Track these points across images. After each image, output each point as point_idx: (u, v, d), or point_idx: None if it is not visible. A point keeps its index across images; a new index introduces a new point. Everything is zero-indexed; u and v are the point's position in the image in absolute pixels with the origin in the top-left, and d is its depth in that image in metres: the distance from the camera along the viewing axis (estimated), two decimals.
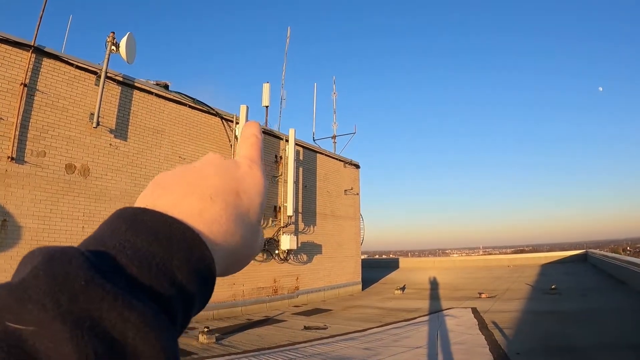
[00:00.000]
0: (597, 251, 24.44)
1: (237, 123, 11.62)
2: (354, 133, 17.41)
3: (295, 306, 13.17)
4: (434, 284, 18.39)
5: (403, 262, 28.50)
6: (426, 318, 10.43)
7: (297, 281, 13.68)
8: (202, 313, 8.94)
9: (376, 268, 26.63)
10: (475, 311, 10.92)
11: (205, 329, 8.28)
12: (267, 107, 13.99)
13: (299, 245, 13.84)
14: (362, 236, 18.05)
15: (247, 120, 11.73)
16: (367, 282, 19.52)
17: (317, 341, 8.29)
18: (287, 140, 13.24)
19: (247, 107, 11.68)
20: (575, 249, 28.75)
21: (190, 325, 10.21)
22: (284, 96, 18.80)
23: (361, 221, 18.08)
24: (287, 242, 12.28)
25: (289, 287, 13.35)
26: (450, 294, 15.39)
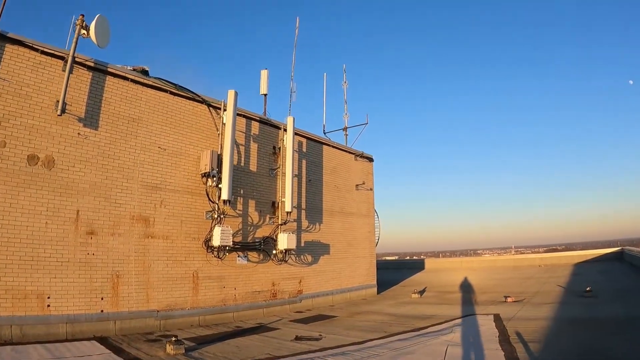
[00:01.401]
0: (634, 249, 21.75)
1: (224, 110, 10.54)
2: (366, 124, 16.05)
3: (297, 312, 11.92)
4: (457, 286, 16.84)
5: (429, 263, 26.90)
6: (439, 328, 8.89)
7: (300, 284, 12.43)
8: (186, 319, 7.74)
9: (400, 270, 25.37)
10: (497, 319, 9.29)
11: (174, 338, 7.18)
12: (265, 95, 12.87)
13: (302, 244, 12.61)
14: (377, 235, 16.58)
15: (235, 106, 10.66)
16: (385, 284, 18.48)
17: (302, 355, 7.00)
18: (285, 130, 12.04)
19: (236, 93, 10.59)
20: (609, 246, 26.64)
21: (164, 333, 9.24)
22: (294, 88, 17.72)
23: (376, 219, 16.63)
24: (284, 241, 11.07)
25: (291, 291, 12.11)
26: (473, 298, 13.74)
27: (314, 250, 13.07)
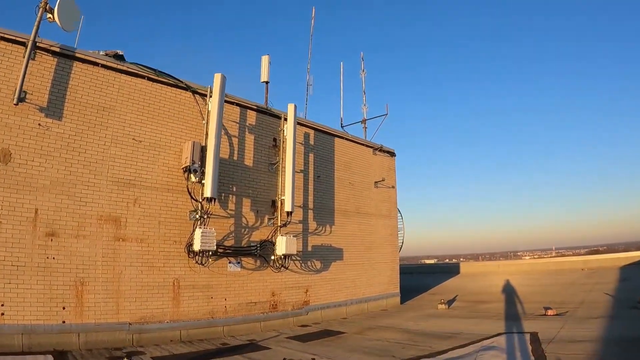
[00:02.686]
0: None
1: (210, 96, 9.32)
2: (386, 114, 14.31)
3: (301, 326, 10.41)
4: (491, 294, 14.92)
5: (465, 267, 25.30)
6: (460, 353, 7.02)
7: (306, 294, 10.91)
8: (165, 333, 6.12)
9: (434, 274, 23.93)
10: (534, 339, 7.33)
11: (125, 356, 5.95)
12: (266, 82, 11.55)
13: (309, 249, 11.12)
14: (401, 238, 14.71)
15: (222, 92, 9.40)
16: (413, 292, 16.95)
17: None
18: (286, 119, 10.64)
19: (223, 77, 9.34)
20: None
21: (136, 348, 8.06)
22: (311, 81, 16.51)
23: (399, 219, 14.77)
24: (283, 245, 9.64)
25: (295, 302, 10.63)
26: (508, 309, 11.62)
27: (323, 256, 11.52)
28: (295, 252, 9.78)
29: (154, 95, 9.05)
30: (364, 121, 15.02)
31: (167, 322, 8.44)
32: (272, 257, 9.89)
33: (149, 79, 9.01)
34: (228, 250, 9.41)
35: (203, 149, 8.96)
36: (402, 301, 14.50)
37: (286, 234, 10.37)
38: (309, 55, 17.53)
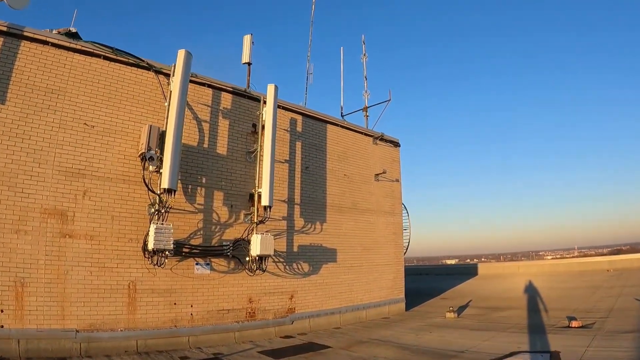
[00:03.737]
0: None
1: (172, 75, 8.47)
2: (389, 100, 13.12)
3: (285, 337, 9.41)
4: (508, 300, 13.77)
5: (483, 268, 24.52)
6: None
7: (291, 301, 9.89)
8: (119, 342, 4.87)
9: (451, 276, 23.29)
10: None
11: None
12: (249, 64, 10.65)
13: (295, 249, 10.12)
14: (406, 238, 13.43)
15: (186, 69, 8.52)
16: (423, 296, 16.03)
17: None
18: (265, 102, 9.67)
19: (188, 53, 8.48)
20: None
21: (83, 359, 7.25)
22: (311, 70, 15.65)
23: (405, 217, 13.51)
24: (257, 244, 8.69)
25: (277, 310, 9.63)
26: (526, 319, 10.24)
27: (312, 257, 10.47)
28: (272, 253, 8.79)
29: (111, 76, 8.31)
30: (365, 109, 13.89)
31: (121, 330, 7.65)
32: (248, 258, 8.90)
33: (106, 58, 8.29)
34: (195, 250, 8.54)
35: (163, 134, 8.10)
36: (409, 307, 13.37)
37: (266, 231, 9.40)
38: (309, 42, 16.63)
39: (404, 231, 13.40)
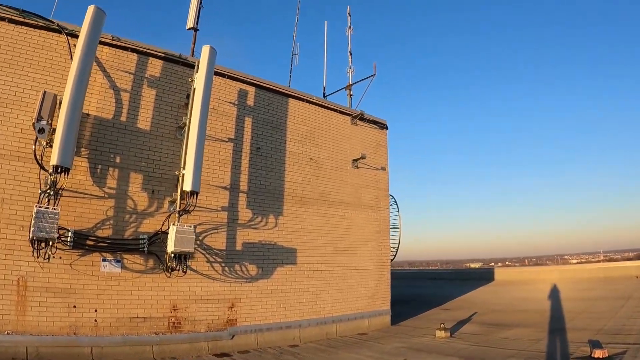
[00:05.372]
0: None
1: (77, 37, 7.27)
2: (373, 75, 11.49)
3: (219, 354, 7.96)
4: (520, 313, 12.18)
5: (500, 273, 23.57)
6: None
7: (231, 310, 8.39)
8: (7, 348, 3.72)
9: (465, 281, 22.43)
10: None
11: None
12: (194, 30, 9.35)
13: (239, 247, 8.71)
14: (396, 237, 11.60)
15: (93, 25, 7.30)
16: (422, 305, 14.92)
17: None
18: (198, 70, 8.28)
19: (97, 9, 7.25)
20: None
21: None
22: (297, 50, 14.37)
23: (394, 212, 11.69)
24: (171, 238, 7.25)
25: (212, 321, 8.17)
26: (536, 342, 8.31)
27: (262, 258, 8.95)
28: (191, 249, 7.35)
29: (15, 41, 7.35)
30: (348, 87, 12.27)
31: (8, 333, 6.49)
32: (166, 256, 7.48)
33: (12, 21, 7.24)
34: (102, 243, 7.27)
35: (57, 101, 6.88)
36: (398, 320, 11.77)
37: (198, 224, 7.99)
38: (295, 20, 15.29)
39: (391, 229, 11.57)
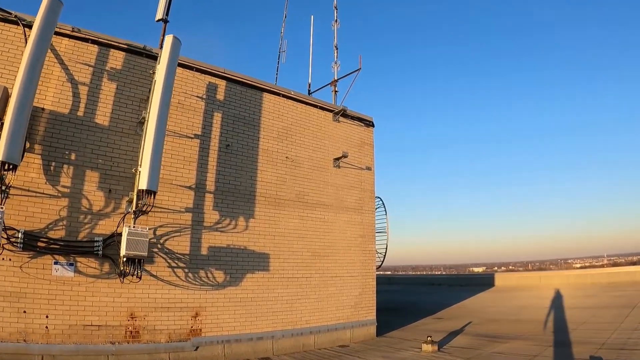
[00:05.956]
0: None
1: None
2: (359, 69, 11.46)
3: None
4: (517, 323, 12.15)
5: (500, 279, 24.34)
6: None
7: (195, 320, 8.37)
8: None
9: (465, 287, 23.11)
10: None
11: None
12: (164, 21, 9.44)
13: (204, 251, 8.73)
14: (383, 243, 11.49)
15: (48, 14, 7.41)
16: (414, 314, 15.07)
17: None
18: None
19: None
20: None
21: None
22: (284, 47, 14.59)
23: (381, 215, 11.61)
24: (123, 241, 7.24)
25: (174, 330, 8.16)
26: (533, 358, 8.01)
27: (231, 263, 8.94)
28: (144, 253, 7.37)
29: None
30: (333, 82, 12.27)
31: None
32: (119, 260, 7.49)
33: None
34: (54, 245, 7.34)
35: (5, 94, 6.96)
36: (385, 330, 11.75)
37: (160, 226, 8.00)
38: (284, 16, 15.48)
39: (377, 233, 11.45)
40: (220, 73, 9.59)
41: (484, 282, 24.20)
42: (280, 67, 15.04)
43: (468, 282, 25.39)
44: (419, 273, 43.90)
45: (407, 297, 21.24)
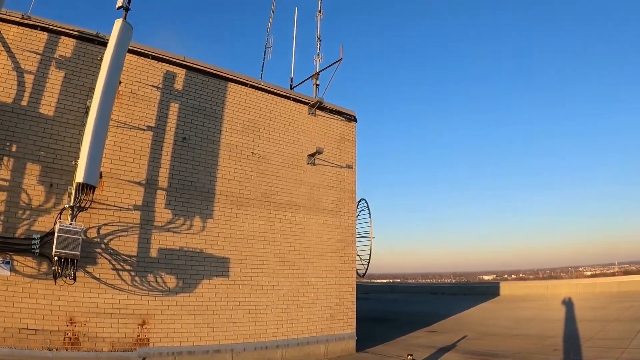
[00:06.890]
0: None
1: None
2: (340, 60, 11.56)
3: None
4: (517, 339, 12.12)
5: (506, 288, 25.08)
6: None
7: (142, 328, 8.62)
8: None
9: (468, 296, 24.00)
10: None
11: None
12: (125, 9, 9.80)
13: (154, 253, 8.94)
14: (367, 249, 11.44)
15: None
16: (406, 325, 15.31)
17: None
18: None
19: None
20: None
21: None
22: (270, 43, 15.00)
23: (365, 217, 11.65)
24: (55, 238, 7.51)
25: (118, 339, 8.44)
26: None
27: (184, 267, 9.18)
28: (77, 252, 7.58)
29: None
30: (315, 75, 12.43)
31: None
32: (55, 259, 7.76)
33: None
34: None
35: None
36: (367, 345, 11.81)
37: (105, 224, 8.25)
38: (271, 11, 15.90)
39: (360, 239, 11.44)
40: (179, 61, 9.93)
41: (488, 291, 24.99)
42: (267, 63, 15.49)
43: (471, 291, 26.31)
44: (426, 281, 46.08)
45: (404, 307, 21.93)
